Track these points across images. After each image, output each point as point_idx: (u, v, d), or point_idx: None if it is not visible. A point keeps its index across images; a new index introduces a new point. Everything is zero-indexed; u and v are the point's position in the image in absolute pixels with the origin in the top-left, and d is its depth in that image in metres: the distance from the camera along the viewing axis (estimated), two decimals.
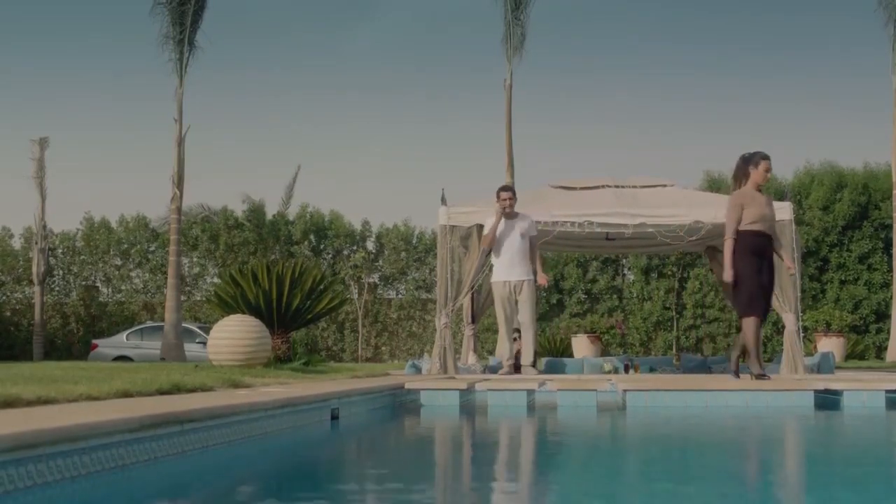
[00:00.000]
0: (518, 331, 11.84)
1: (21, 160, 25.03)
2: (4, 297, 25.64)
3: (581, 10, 29.51)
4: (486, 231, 10.41)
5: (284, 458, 4.79)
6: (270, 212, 25.23)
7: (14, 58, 30.45)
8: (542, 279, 10.49)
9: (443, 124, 32.79)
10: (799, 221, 21.07)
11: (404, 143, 33.52)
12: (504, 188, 10.55)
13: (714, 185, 22.76)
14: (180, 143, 21.92)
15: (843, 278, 22.40)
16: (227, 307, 10.74)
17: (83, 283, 25.69)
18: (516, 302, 10.36)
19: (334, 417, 6.04)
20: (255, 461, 4.53)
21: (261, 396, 5.17)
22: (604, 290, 23.29)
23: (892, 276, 20.73)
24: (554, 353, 18.78)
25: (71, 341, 25.12)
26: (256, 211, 24.40)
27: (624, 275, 23.83)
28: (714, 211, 11.00)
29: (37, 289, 23.80)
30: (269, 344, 9.31)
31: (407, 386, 7.84)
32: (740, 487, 3.88)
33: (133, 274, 25.61)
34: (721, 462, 4.85)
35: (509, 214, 10.34)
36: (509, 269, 10.32)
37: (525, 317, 10.38)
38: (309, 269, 11.44)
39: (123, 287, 25.41)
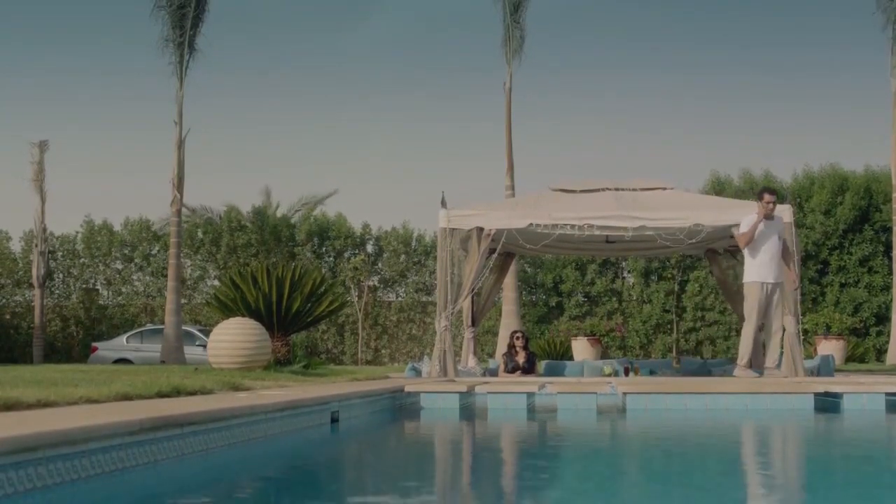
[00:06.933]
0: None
1: (21, 163, 24.93)
2: (4, 300, 25.60)
3: (580, 12, 29.48)
4: (743, 229, 10.24)
5: (285, 461, 4.79)
6: (271, 212, 25.20)
7: (14, 60, 30.41)
8: (793, 277, 10.45)
9: (443, 126, 32.75)
10: (799, 225, 21.02)
11: (404, 146, 33.50)
12: (770, 190, 10.49)
13: (719, 186, 22.73)
14: (180, 145, 21.91)
15: (843, 281, 22.37)
16: (227, 310, 10.73)
17: (83, 285, 25.66)
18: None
19: (334, 420, 6.03)
20: (256, 464, 4.53)
21: (261, 399, 5.17)
22: (603, 292, 23.26)
23: (892, 278, 20.70)
24: (553, 355, 18.76)
25: (71, 344, 25.07)
26: (260, 213, 24.40)
27: (623, 277, 23.79)
28: (714, 214, 11.00)
29: (37, 292, 23.76)
30: (268, 347, 9.30)
31: (407, 389, 7.83)
32: (740, 491, 3.88)
33: (134, 277, 25.57)
34: (721, 465, 4.85)
35: (769, 216, 10.30)
36: (767, 271, 10.31)
37: (776, 319, 10.36)
38: (309, 271, 11.43)
39: (123, 290, 25.39)
